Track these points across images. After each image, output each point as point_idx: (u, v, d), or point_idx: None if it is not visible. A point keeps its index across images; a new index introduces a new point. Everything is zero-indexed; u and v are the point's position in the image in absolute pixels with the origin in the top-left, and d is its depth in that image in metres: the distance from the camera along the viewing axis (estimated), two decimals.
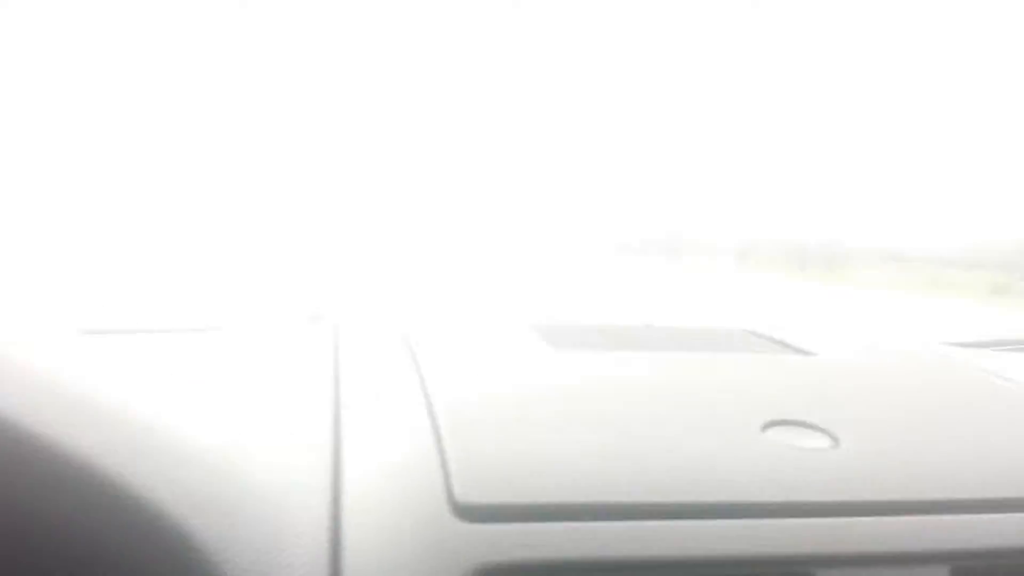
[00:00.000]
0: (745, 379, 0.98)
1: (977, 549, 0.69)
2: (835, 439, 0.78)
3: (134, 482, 0.53)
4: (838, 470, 0.74)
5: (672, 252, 14.29)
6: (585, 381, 0.91)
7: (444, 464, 0.67)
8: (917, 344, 1.30)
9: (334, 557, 0.60)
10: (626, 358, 1.03)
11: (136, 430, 0.60)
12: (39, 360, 0.76)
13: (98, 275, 6.85)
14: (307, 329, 1.13)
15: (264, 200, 11.98)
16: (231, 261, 7.79)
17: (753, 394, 0.90)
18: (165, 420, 0.67)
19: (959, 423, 0.88)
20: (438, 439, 0.71)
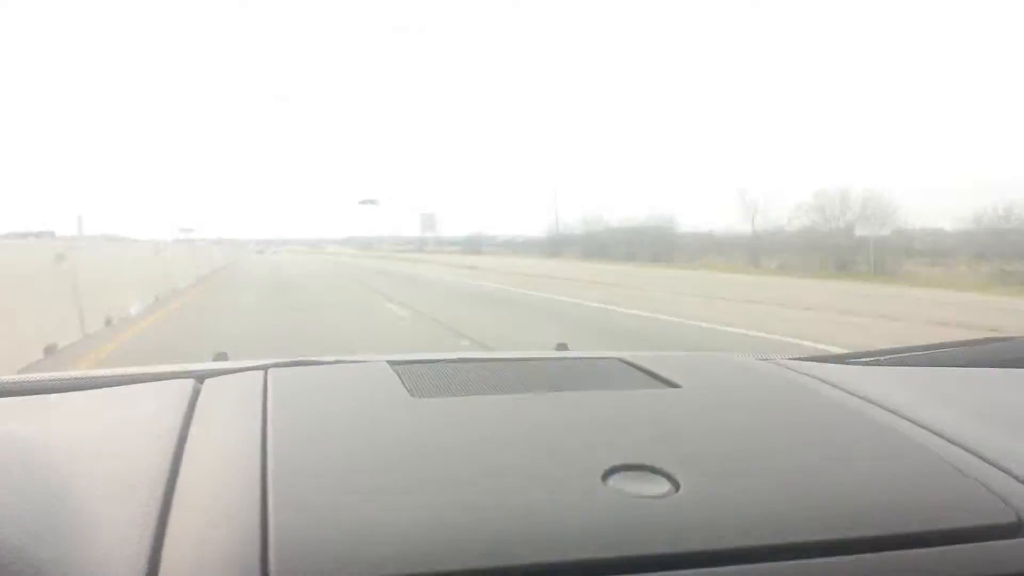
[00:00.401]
0: (598, 419, 0.96)
1: None
2: (676, 483, 0.76)
3: None
4: (673, 519, 0.72)
5: None
6: (432, 433, 0.89)
7: (264, 536, 0.66)
8: (790, 368, 1.27)
9: None
10: (480, 404, 1.01)
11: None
12: None
13: None
14: (171, 384, 1.10)
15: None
16: None
17: (601, 437, 0.89)
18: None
19: (810, 457, 0.87)
20: (264, 508, 0.69)
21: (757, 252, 40.07)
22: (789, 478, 0.81)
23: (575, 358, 1.43)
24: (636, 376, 1.18)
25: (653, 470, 0.79)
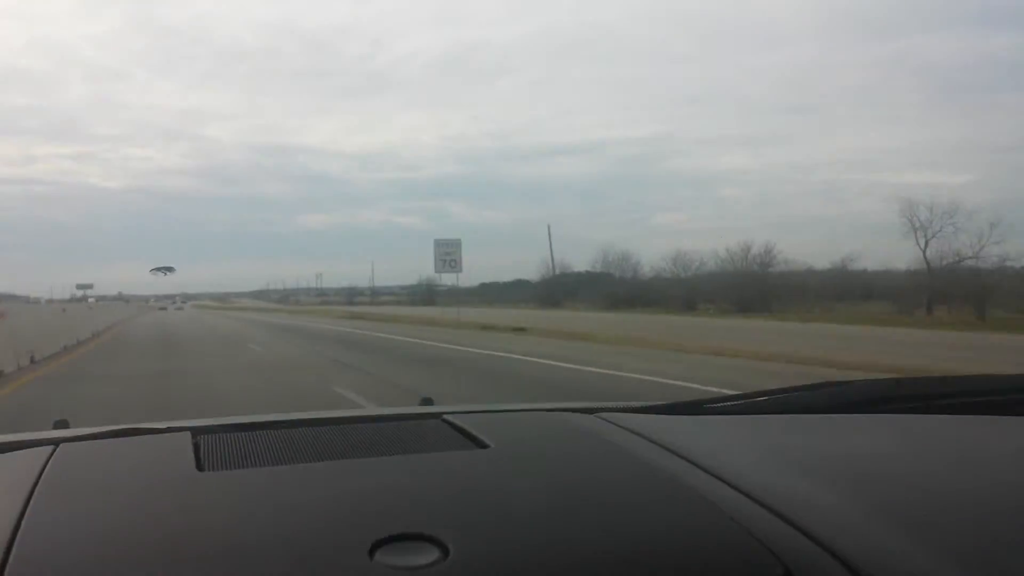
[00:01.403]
0: (384, 486, 0.95)
1: None
2: (446, 550, 0.76)
3: None
4: None
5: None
6: (204, 513, 0.86)
7: None
8: (611, 422, 1.27)
9: None
10: (265, 476, 0.99)
11: None
12: None
13: None
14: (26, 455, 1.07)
15: None
16: None
17: (379, 505, 0.89)
18: None
19: (590, 514, 0.89)
20: None
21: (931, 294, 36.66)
22: (565, 535, 0.82)
23: (398, 416, 1.44)
24: (451, 437, 1.18)
25: (425, 538, 0.78)
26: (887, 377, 1.70)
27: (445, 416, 1.29)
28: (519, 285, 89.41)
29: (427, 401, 1.71)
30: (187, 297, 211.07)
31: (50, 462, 1.01)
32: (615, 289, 57.38)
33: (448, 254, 30.22)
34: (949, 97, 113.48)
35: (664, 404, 1.48)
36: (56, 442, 1.13)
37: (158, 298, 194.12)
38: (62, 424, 1.46)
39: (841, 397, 1.45)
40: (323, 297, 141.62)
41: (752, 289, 45.42)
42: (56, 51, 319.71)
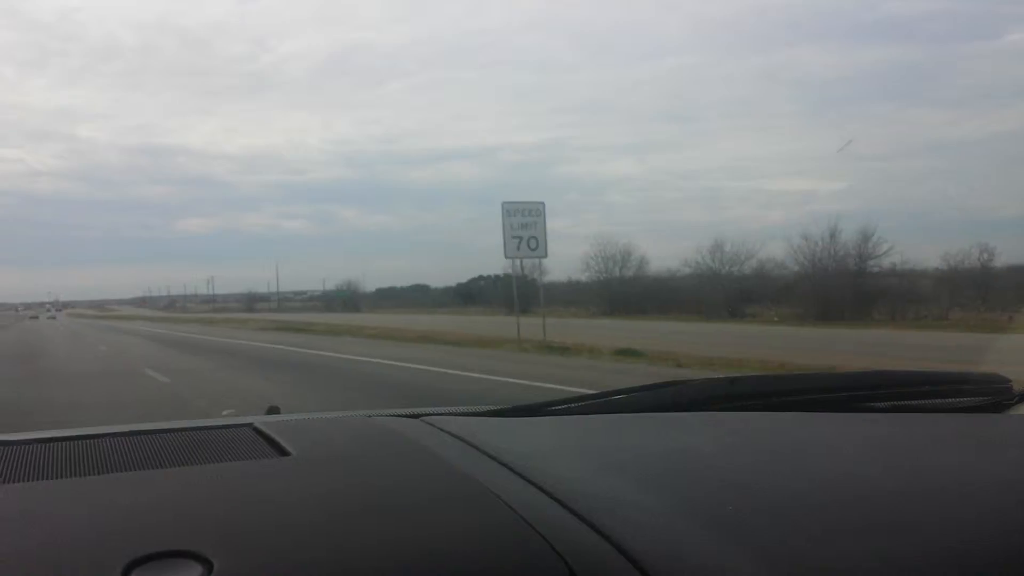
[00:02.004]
0: (153, 501, 0.91)
1: None
2: (209, 565, 0.73)
3: None
4: None
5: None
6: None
7: None
8: (433, 425, 1.26)
9: None
10: (34, 490, 0.96)
11: None
12: None
13: None
14: None
15: None
16: None
17: (142, 523, 0.84)
18: None
19: (380, 521, 0.86)
20: None
21: None
22: (343, 544, 0.81)
23: (207, 427, 1.38)
24: (255, 445, 1.15)
25: (189, 555, 0.75)
26: (725, 376, 1.59)
27: (256, 424, 1.26)
28: (419, 290, 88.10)
29: (273, 410, 1.61)
30: (61, 305, 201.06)
31: None
32: (625, 290, 49.60)
33: (524, 227, 18.64)
34: (821, 108, 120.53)
35: (504, 407, 1.47)
36: None
37: (27, 305, 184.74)
38: None
39: (682, 396, 1.47)
40: (215, 304, 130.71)
41: (844, 291, 35.62)
42: None
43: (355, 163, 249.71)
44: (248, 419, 1.37)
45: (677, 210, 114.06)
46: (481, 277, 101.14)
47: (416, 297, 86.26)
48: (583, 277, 55.34)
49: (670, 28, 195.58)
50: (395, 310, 70.23)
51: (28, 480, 1.00)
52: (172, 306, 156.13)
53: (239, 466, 1.06)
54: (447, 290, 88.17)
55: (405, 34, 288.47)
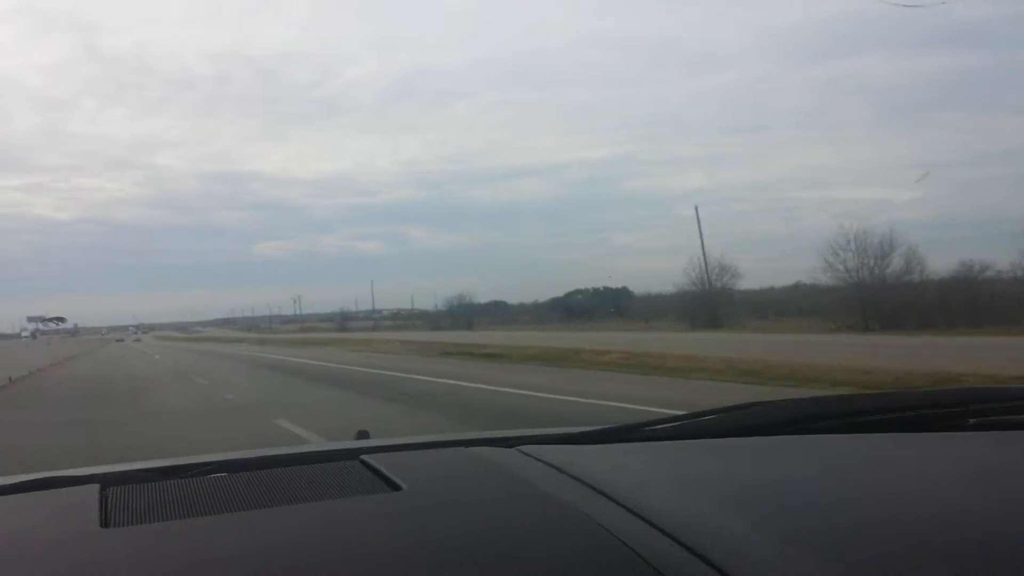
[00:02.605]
0: (290, 540, 0.93)
1: None
2: None
3: None
4: None
5: None
6: (117, 569, 0.86)
7: None
8: (530, 455, 1.27)
9: None
10: (175, 531, 0.97)
11: None
12: None
13: None
14: None
15: None
16: None
17: (284, 562, 0.87)
18: None
19: (487, 552, 0.89)
20: None
21: None
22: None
23: (315, 456, 1.43)
24: (366, 479, 1.18)
25: None
26: (810, 396, 1.56)
27: (362, 456, 1.29)
28: (498, 306, 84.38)
29: (363, 434, 1.72)
30: (146, 328, 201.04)
31: None
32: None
33: None
34: (893, 116, 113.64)
35: (595, 430, 1.47)
36: None
37: (111, 329, 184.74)
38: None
39: (766, 417, 1.47)
40: (303, 324, 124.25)
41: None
42: (1, 82, 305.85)
43: (424, 184, 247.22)
44: (345, 445, 1.46)
45: (749, 222, 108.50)
46: (578, 291, 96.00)
47: (498, 313, 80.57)
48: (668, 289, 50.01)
49: (733, 39, 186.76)
50: (507, 327, 61.94)
51: (163, 520, 1.00)
52: (256, 327, 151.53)
53: (360, 501, 1.08)
54: (532, 306, 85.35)
55: (468, 55, 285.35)
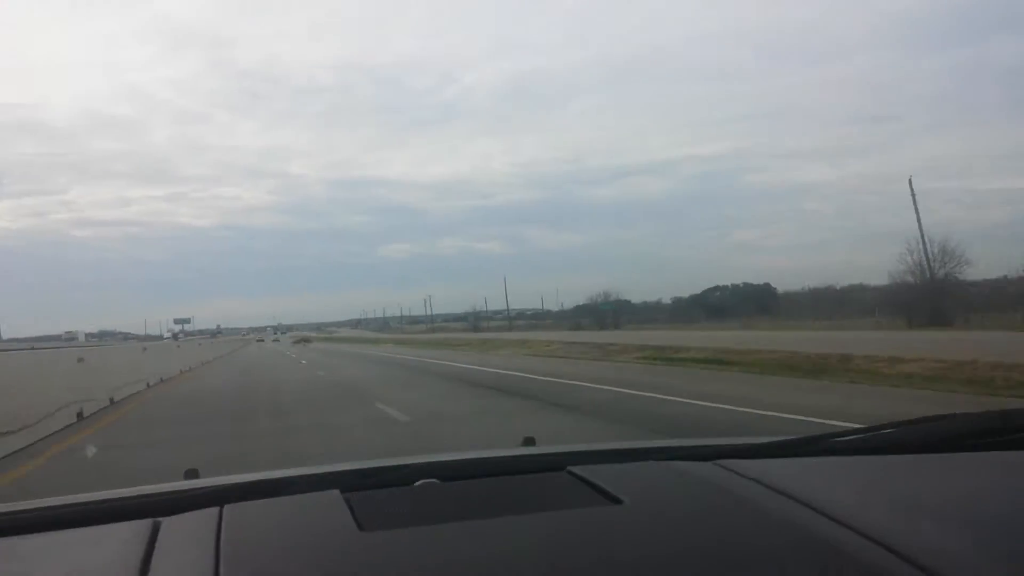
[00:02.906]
0: (533, 547, 0.96)
1: None
2: None
3: None
4: None
5: None
6: (375, 573, 0.90)
7: None
8: (728, 468, 1.27)
9: None
10: (424, 536, 0.99)
11: None
12: None
13: None
14: (124, 528, 1.08)
15: None
16: None
17: (534, 570, 0.89)
18: None
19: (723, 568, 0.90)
20: None
21: None
22: None
23: (516, 461, 1.48)
24: (581, 491, 1.18)
25: None
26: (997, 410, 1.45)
27: (569, 468, 1.30)
28: (620, 304, 77.72)
29: (529, 441, 1.76)
30: (283, 328, 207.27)
31: (223, 530, 1.04)
32: None
33: None
34: None
35: (786, 440, 1.47)
36: (218, 499, 1.17)
37: (251, 330, 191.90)
38: (192, 474, 1.54)
39: (952, 430, 1.43)
40: (434, 325, 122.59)
41: None
42: (140, 97, 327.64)
43: (541, 184, 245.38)
44: (540, 450, 1.54)
45: (878, 215, 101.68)
46: (717, 287, 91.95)
47: (624, 312, 76.04)
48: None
49: (857, 26, 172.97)
50: (649, 326, 56.93)
51: (410, 526, 1.03)
52: (387, 327, 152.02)
53: (588, 513, 1.09)
54: (656, 304, 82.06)
55: (582, 55, 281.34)
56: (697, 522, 1.05)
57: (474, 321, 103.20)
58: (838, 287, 62.89)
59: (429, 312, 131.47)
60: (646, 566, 0.89)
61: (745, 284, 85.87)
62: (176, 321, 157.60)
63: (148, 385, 18.01)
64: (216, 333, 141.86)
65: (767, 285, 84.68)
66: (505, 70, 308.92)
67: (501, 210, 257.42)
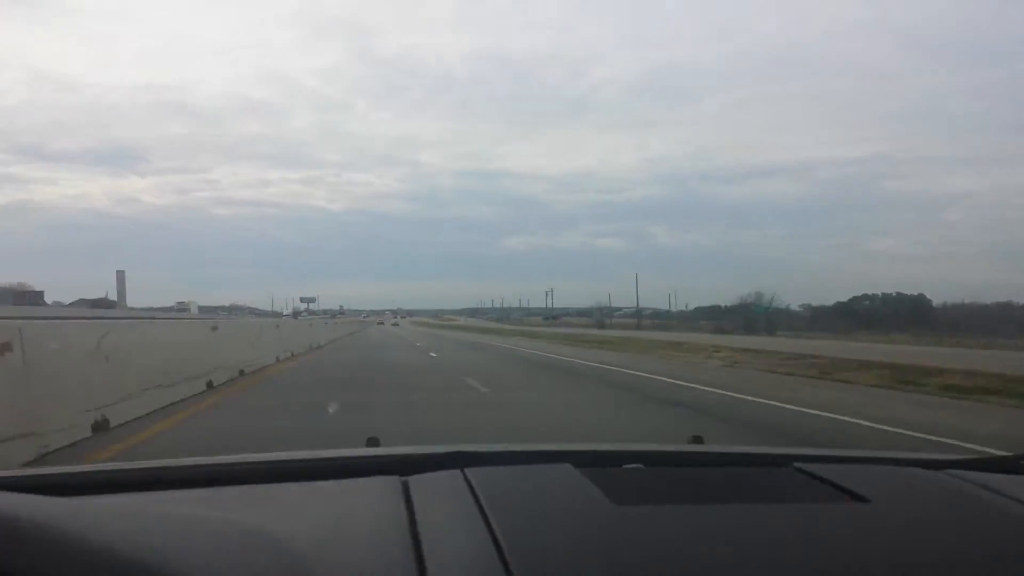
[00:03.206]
0: (803, 536, 0.96)
1: None
2: None
3: None
4: None
5: None
6: (646, 546, 0.90)
7: None
8: (957, 477, 1.25)
9: None
10: (684, 514, 1.01)
11: None
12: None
13: None
14: (378, 482, 1.15)
15: None
16: None
17: (814, 552, 0.90)
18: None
19: None
20: None
21: None
22: None
23: (741, 457, 1.50)
24: (816, 488, 1.17)
25: None
26: None
27: (797, 465, 1.29)
28: (743, 309, 73.16)
29: (697, 439, 1.74)
30: (402, 312, 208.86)
31: (475, 488, 1.08)
32: None
33: None
34: None
35: (1000, 457, 1.48)
36: (454, 462, 1.22)
37: (370, 312, 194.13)
38: (373, 441, 1.64)
39: None
40: (558, 319, 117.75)
41: None
42: (283, 83, 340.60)
43: (667, 181, 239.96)
44: (788, 451, 1.46)
45: None
46: (866, 296, 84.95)
47: (750, 316, 69.40)
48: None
49: (1008, 31, 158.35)
50: (807, 335, 50.70)
51: (659, 503, 1.05)
52: (506, 317, 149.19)
53: (822, 510, 1.07)
54: (786, 310, 76.89)
55: (719, 50, 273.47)
56: (948, 529, 1.03)
57: (599, 317, 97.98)
58: (988, 303, 56.30)
59: (550, 305, 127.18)
60: (903, 565, 0.88)
61: (898, 294, 79.63)
62: (302, 300, 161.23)
63: (278, 359, 18.27)
64: (338, 313, 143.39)
65: (921, 296, 78.15)
66: (638, 64, 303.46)
67: (625, 206, 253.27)
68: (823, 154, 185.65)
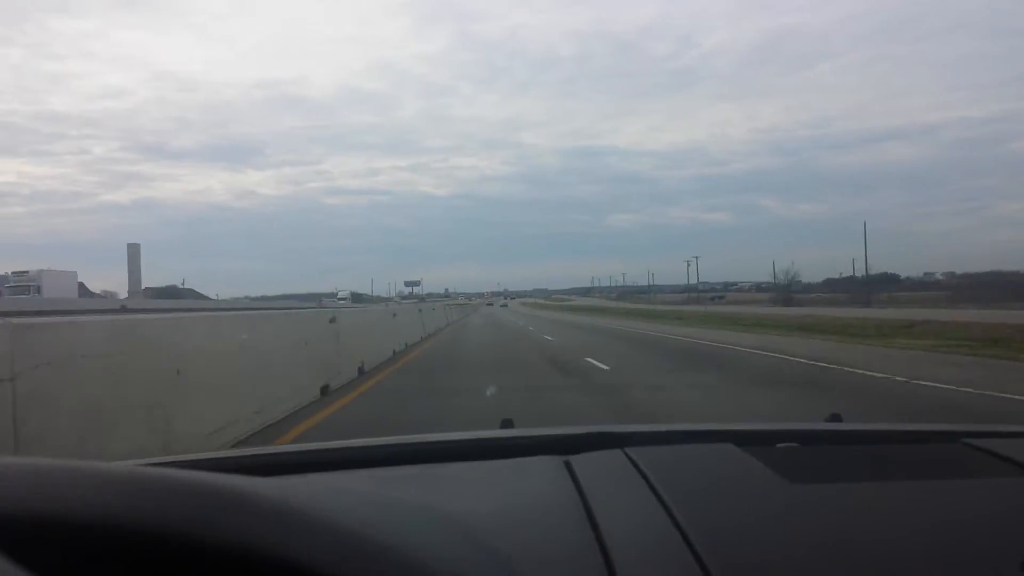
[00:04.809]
0: (993, 510, 0.95)
1: None
2: None
3: None
4: None
5: None
6: (829, 523, 0.90)
7: None
8: None
9: None
10: (861, 491, 1.01)
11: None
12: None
13: None
14: (542, 461, 1.17)
15: None
16: None
17: (1001, 527, 0.89)
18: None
19: None
20: None
21: None
22: None
23: (910, 431, 1.45)
24: (995, 464, 1.15)
25: None
26: None
27: (966, 440, 1.27)
28: (866, 279, 68.94)
29: (835, 417, 1.71)
30: (509, 294, 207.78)
31: (640, 465, 1.08)
32: None
33: None
34: None
35: None
36: (613, 442, 1.24)
37: (475, 295, 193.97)
38: (507, 423, 1.67)
39: None
40: (691, 295, 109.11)
41: None
42: (392, 72, 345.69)
43: (780, 151, 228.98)
44: (953, 428, 1.42)
45: None
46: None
47: (884, 288, 65.62)
48: None
49: None
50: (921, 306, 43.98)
51: (833, 481, 1.04)
52: (625, 296, 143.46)
53: (1010, 484, 1.06)
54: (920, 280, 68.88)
55: (837, 12, 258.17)
56: None
57: (783, 292, 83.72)
58: None
59: (688, 281, 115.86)
60: None
61: None
62: (406, 284, 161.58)
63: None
64: (444, 296, 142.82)
65: None
66: (749, 31, 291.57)
67: (735, 179, 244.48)
68: (945, 116, 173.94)
